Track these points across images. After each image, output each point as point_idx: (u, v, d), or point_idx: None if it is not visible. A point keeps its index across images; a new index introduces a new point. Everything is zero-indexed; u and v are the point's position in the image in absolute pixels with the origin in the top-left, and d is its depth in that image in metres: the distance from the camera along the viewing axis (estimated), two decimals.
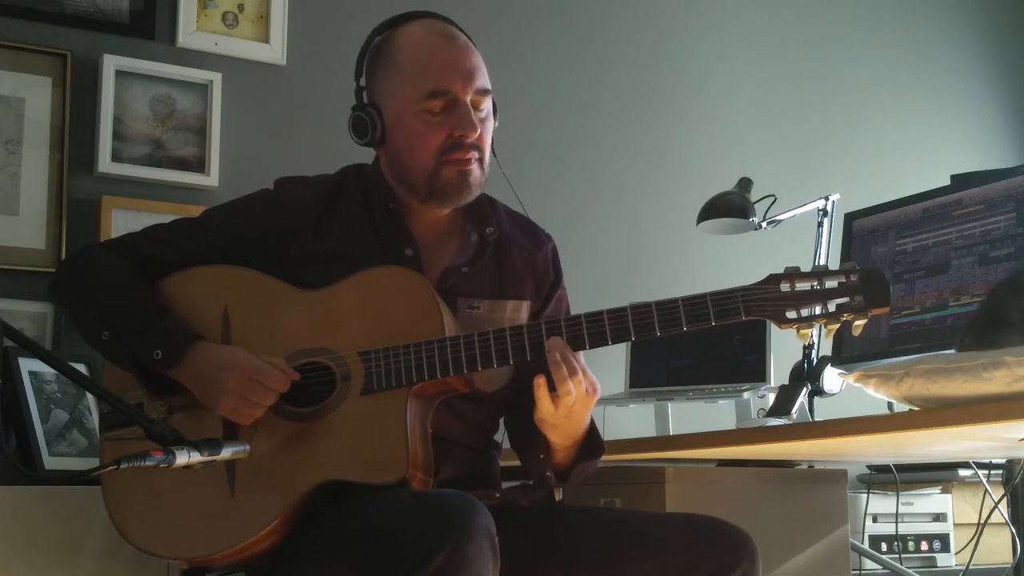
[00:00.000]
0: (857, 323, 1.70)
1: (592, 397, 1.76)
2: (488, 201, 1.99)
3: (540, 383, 1.73)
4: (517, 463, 2.05)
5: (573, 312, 1.99)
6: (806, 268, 1.74)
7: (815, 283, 1.70)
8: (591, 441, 1.88)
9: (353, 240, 1.90)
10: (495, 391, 1.94)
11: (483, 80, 1.88)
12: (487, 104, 1.90)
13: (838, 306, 1.69)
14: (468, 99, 1.86)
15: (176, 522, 1.78)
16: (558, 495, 2.05)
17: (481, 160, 1.89)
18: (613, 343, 1.75)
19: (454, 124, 1.85)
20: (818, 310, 1.70)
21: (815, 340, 2.58)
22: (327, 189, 1.95)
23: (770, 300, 1.70)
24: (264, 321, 1.84)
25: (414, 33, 1.90)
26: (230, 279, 1.88)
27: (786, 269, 1.72)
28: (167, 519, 1.78)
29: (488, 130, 1.90)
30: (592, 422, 1.87)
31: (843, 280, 1.70)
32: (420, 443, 1.75)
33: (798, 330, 1.72)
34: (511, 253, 1.98)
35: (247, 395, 1.73)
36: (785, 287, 1.70)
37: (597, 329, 1.74)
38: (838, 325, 1.70)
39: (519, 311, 1.96)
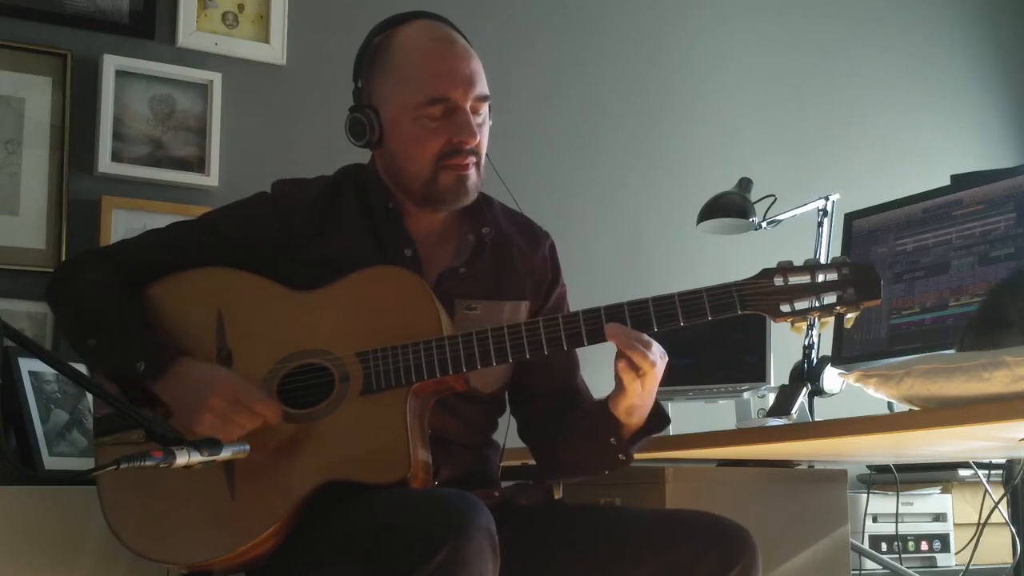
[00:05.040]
0: (849, 316, 1.73)
1: (662, 363, 1.76)
2: (485, 201, 1.99)
3: (624, 368, 1.74)
4: (517, 463, 2.06)
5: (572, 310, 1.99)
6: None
7: (808, 277, 1.72)
8: (656, 413, 1.87)
9: (351, 242, 1.90)
10: (493, 392, 1.94)
11: (482, 87, 1.88)
12: (485, 110, 1.90)
13: (831, 299, 1.72)
14: (468, 105, 1.86)
15: (175, 526, 1.77)
16: (557, 494, 2.05)
17: (478, 165, 1.89)
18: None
19: (453, 130, 1.85)
20: (811, 303, 1.72)
21: (815, 340, 2.58)
22: (324, 191, 1.95)
23: (765, 294, 1.72)
24: (259, 323, 1.83)
25: (413, 36, 1.89)
26: (223, 281, 1.87)
27: (779, 263, 1.74)
28: (165, 523, 1.78)
29: (485, 135, 1.90)
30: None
31: (835, 274, 1.72)
32: (420, 442, 1.75)
33: (792, 323, 1.74)
34: (508, 253, 1.98)
35: (228, 414, 1.72)
36: (779, 281, 1.73)
37: (595, 326, 1.74)
38: (831, 318, 1.73)
39: (517, 311, 1.96)
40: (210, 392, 1.72)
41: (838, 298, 1.71)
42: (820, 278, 1.72)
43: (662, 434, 1.91)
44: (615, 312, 1.74)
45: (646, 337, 1.73)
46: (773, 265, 1.74)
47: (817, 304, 1.72)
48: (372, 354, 1.77)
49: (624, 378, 1.75)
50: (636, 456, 1.89)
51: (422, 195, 1.89)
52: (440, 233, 1.96)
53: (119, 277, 1.88)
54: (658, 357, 1.74)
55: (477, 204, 1.96)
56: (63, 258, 2.73)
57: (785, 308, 1.72)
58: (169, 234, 1.96)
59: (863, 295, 1.71)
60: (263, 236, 1.90)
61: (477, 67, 1.88)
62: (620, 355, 1.74)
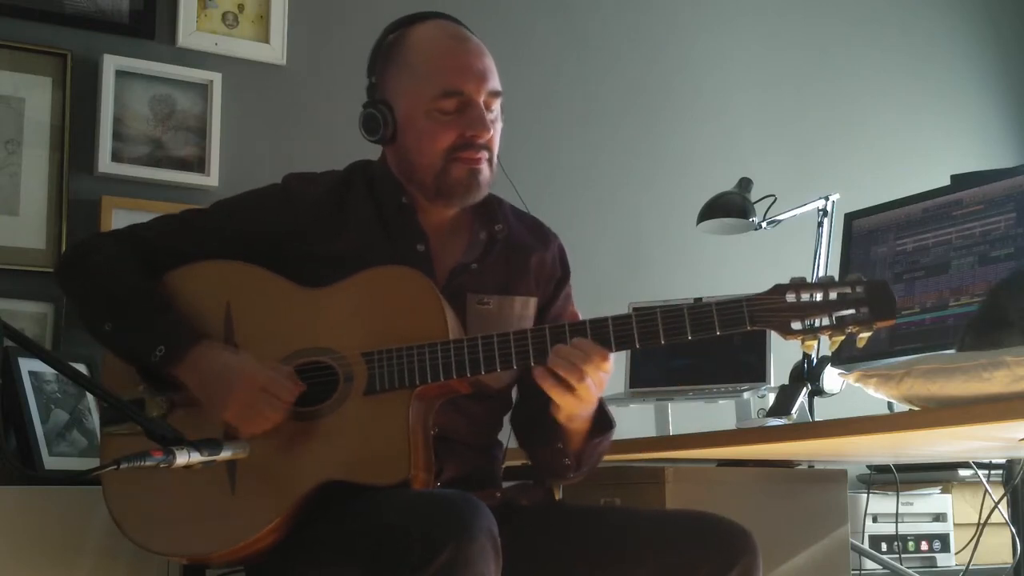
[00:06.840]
0: (862, 336, 1.68)
1: (606, 374, 1.74)
2: (496, 200, 1.99)
3: (549, 386, 1.72)
4: (519, 463, 2.06)
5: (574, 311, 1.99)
6: (806, 269, 1.73)
7: (821, 294, 1.68)
8: (600, 416, 1.86)
9: (362, 238, 1.90)
10: (502, 388, 1.94)
11: (495, 82, 1.89)
12: (497, 106, 1.90)
13: (843, 318, 1.67)
14: (481, 100, 1.86)
15: (176, 519, 1.78)
16: (558, 494, 2.05)
17: (490, 160, 1.90)
18: (617, 350, 1.73)
19: (466, 124, 1.85)
20: (823, 321, 1.67)
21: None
22: (335, 186, 1.95)
23: (776, 310, 1.69)
24: (267, 318, 1.84)
25: (428, 33, 1.91)
26: (234, 275, 1.88)
27: (792, 280, 1.70)
28: (167, 516, 1.78)
29: (498, 132, 1.91)
30: (600, 399, 1.84)
31: (849, 292, 1.67)
32: (422, 444, 1.75)
33: (803, 341, 1.70)
34: (518, 251, 1.98)
35: (257, 406, 1.73)
36: (791, 297, 1.68)
37: (601, 336, 1.73)
38: (843, 337, 1.68)
39: (527, 307, 1.96)
40: (236, 384, 1.73)
41: (851, 317, 1.66)
42: (833, 296, 1.67)
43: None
44: (623, 322, 1.73)
45: (580, 363, 1.69)
46: (774, 266, 1.73)
47: (829, 323, 1.67)
48: (377, 354, 1.77)
49: (552, 394, 1.73)
50: (612, 458, 1.87)
51: (434, 188, 1.89)
52: (451, 230, 1.96)
53: (132, 259, 1.88)
54: (598, 378, 1.71)
55: (488, 202, 1.96)
56: (67, 246, 2.72)
57: (796, 326, 1.68)
58: (179, 220, 1.96)
59: (877, 315, 1.66)
60: (269, 230, 1.90)
61: (490, 64, 1.90)
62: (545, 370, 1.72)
